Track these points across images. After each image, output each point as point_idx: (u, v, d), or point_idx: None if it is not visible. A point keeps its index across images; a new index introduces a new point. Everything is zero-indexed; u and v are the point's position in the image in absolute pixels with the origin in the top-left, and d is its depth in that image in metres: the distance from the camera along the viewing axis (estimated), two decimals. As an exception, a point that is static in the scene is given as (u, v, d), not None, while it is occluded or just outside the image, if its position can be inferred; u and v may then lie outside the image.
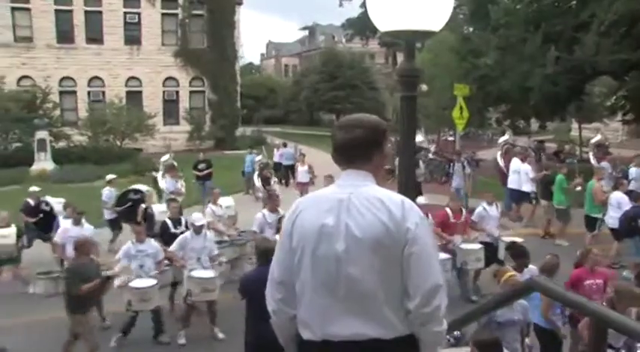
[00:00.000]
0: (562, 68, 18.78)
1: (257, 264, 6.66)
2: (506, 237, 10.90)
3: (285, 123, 55.66)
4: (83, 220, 10.83)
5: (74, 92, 36.60)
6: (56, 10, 35.57)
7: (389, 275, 2.42)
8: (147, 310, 8.58)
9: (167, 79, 38.07)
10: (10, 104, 28.70)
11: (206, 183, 19.18)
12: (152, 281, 8.57)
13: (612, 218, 12.09)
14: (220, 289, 8.98)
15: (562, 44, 18.89)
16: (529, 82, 19.72)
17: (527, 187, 15.70)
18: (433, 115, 29.47)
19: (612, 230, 12.21)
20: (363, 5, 53.93)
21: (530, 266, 7.53)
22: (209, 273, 8.90)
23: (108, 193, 14.91)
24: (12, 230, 11.19)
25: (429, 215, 10.35)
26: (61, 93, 35.87)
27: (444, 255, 9.77)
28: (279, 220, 10.09)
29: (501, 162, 17.39)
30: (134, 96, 36.83)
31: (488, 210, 11.09)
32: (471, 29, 25.82)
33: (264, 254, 6.14)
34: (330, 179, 11.06)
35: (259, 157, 20.82)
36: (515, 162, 16.16)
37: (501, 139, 19.01)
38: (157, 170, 18.66)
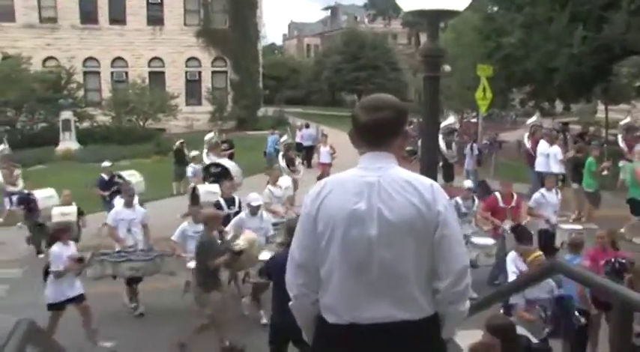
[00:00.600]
0: (588, 48, 18.47)
1: (284, 245, 6.51)
2: (565, 225, 10.40)
3: (306, 103, 55.53)
4: (135, 202, 10.45)
5: (97, 73, 36.88)
6: (80, -9, 35.82)
7: (420, 257, 2.46)
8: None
9: (189, 59, 38.16)
10: (36, 85, 29.04)
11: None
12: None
13: None
14: None
15: (590, 23, 18.56)
16: (554, 63, 19.43)
17: (556, 169, 15.45)
18: (456, 96, 29.19)
19: None
20: (386, -16, 53.48)
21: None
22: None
23: (192, 169, 15.34)
24: (73, 208, 11.22)
25: (475, 198, 10.31)
26: (84, 73, 36.16)
27: (490, 241, 9.64)
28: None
29: (528, 144, 17.13)
30: (157, 77, 37.02)
31: (546, 196, 10.57)
32: (495, 8, 25.48)
33: None
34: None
35: (284, 138, 20.83)
36: (544, 145, 15.90)
37: (530, 121, 18.67)
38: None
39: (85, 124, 31.36)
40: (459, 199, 10.02)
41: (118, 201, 10.47)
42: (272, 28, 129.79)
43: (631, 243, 11.33)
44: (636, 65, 23.56)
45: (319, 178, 15.11)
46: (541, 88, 24.73)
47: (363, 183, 2.46)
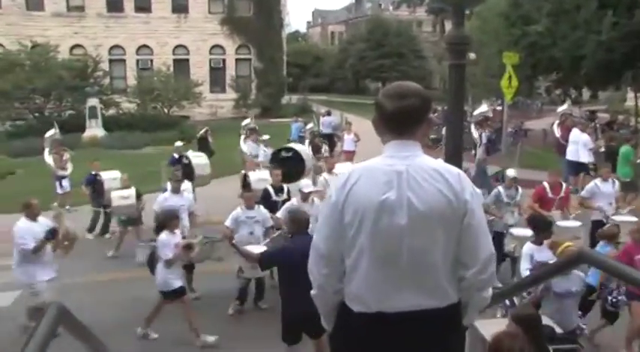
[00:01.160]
0: (618, 34, 18.12)
1: (289, 234, 6.44)
2: (618, 217, 9.73)
3: (330, 91, 55.42)
4: (183, 189, 10.30)
5: (123, 60, 37.18)
6: (106, -21, 36.10)
7: (447, 245, 2.48)
8: (257, 277, 8.37)
9: (213, 47, 38.27)
10: (63, 72, 29.35)
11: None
12: (262, 248, 8.07)
13: None
14: None
15: (620, 9, 18.19)
16: (582, 50, 19.11)
17: (585, 158, 15.21)
18: (481, 84, 28.93)
19: None
20: (411, -29, 53.00)
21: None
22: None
23: (263, 153, 15.46)
24: (132, 191, 11.20)
25: (519, 188, 9.83)
26: (110, 61, 36.49)
27: (530, 232, 9.16)
28: None
29: (558, 133, 16.87)
30: (181, 64, 37.22)
31: (600, 187, 10.09)
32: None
33: (306, 224, 6.12)
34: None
35: (310, 125, 20.82)
36: (575, 133, 15.65)
37: (560, 109, 18.35)
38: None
39: (111, 111, 31.68)
40: (501, 188, 9.78)
41: (168, 186, 10.40)
42: (296, 16, 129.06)
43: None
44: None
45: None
46: (568, 76, 24.36)
47: (391, 171, 2.44)
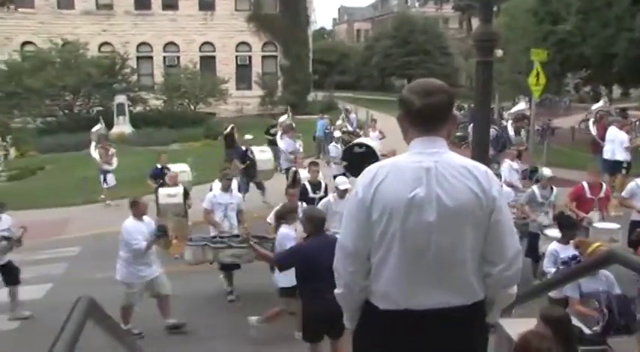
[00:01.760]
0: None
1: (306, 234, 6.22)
2: None
3: (356, 88, 55.27)
4: (233, 186, 10.15)
5: (150, 57, 37.54)
6: (134, -23, 36.50)
7: (475, 242, 2.48)
8: None
9: (240, 44, 38.43)
10: (92, 70, 29.76)
11: (277, 148, 19.37)
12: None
13: None
14: None
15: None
16: (613, 48, 18.77)
17: (621, 156, 14.89)
18: (507, 81, 28.64)
19: None
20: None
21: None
22: None
23: (334, 149, 15.73)
24: (179, 189, 10.97)
25: (553, 188, 9.56)
26: (138, 58, 36.84)
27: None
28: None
29: (594, 131, 16.55)
30: (208, 61, 37.44)
31: None
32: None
33: (322, 223, 6.01)
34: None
35: (339, 122, 20.83)
36: (612, 131, 15.34)
37: (595, 106, 18.02)
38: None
39: (138, 108, 32.04)
40: (535, 188, 9.59)
41: (216, 185, 10.27)
42: (322, 13, 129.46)
43: None
44: None
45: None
46: (598, 73, 24.00)
47: (419, 168, 2.44)
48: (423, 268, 2.45)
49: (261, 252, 6.83)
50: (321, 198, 9.48)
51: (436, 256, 2.44)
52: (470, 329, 2.56)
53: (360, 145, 14.01)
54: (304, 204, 8.95)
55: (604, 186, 9.82)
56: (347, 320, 2.80)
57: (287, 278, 6.86)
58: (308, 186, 10.06)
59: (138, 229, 7.59)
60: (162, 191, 10.94)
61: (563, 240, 7.09)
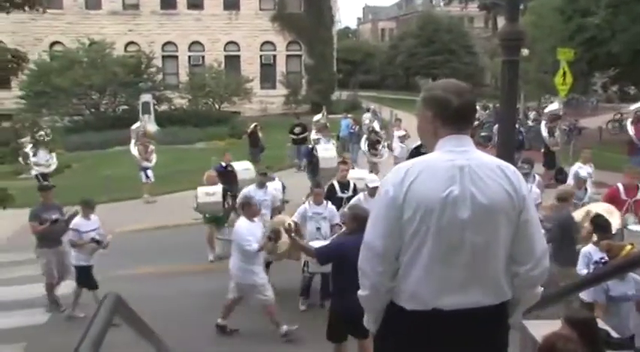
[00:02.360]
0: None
1: (348, 232, 6.18)
2: None
3: (380, 87, 55.14)
4: (268, 183, 10.25)
5: (175, 57, 37.84)
6: (160, -23, 36.83)
7: (506, 241, 2.48)
8: (321, 272, 8.10)
9: (264, 43, 38.56)
10: (118, 69, 30.08)
11: (301, 147, 19.44)
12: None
13: None
14: None
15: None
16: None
17: None
18: (533, 81, 28.30)
19: None
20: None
21: None
22: None
23: (400, 148, 15.90)
24: (218, 188, 10.85)
25: (588, 189, 9.50)
26: (163, 57, 37.18)
27: None
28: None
29: (631, 131, 16.22)
30: (232, 61, 37.63)
31: None
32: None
33: (364, 221, 5.93)
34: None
35: (366, 121, 20.83)
36: None
37: (634, 106, 17.68)
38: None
39: (164, 107, 32.30)
40: None
41: (199, 188, 10.50)
42: (346, 12, 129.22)
43: None
44: None
45: (395, 163, 15.03)
46: (627, 72, 23.61)
47: (453, 166, 2.43)
48: (455, 267, 2.44)
49: (302, 245, 6.89)
50: (349, 198, 9.46)
51: (470, 254, 2.43)
52: (496, 330, 2.56)
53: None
54: (329, 204, 8.95)
55: None
56: (369, 323, 2.77)
57: None
58: (336, 186, 10.04)
59: (251, 231, 7.60)
60: (200, 190, 10.86)
61: (598, 242, 6.97)
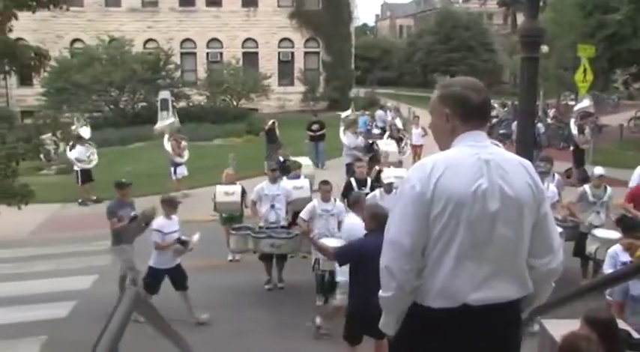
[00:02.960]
0: None
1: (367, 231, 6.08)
2: None
3: (398, 84, 54.98)
4: (294, 181, 10.27)
5: (194, 54, 38.00)
6: (178, -26, 37.01)
7: (528, 235, 2.50)
8: (332, 270, 7.89)
9: (282, 40, 38.59)
10: (137, 66, 30.27)
11: (319, 144, 19.45)
12: (338, 242, 7.76)
13: None
14: None
15: None
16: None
17: None
18: (553, 77, 28.05)
19: None
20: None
21: None
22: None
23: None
24: (237, 188, 10.56)
25: (607, 187, 9.19)
26: (182, 54, 37.36)
27: (614, 234, 8.08)
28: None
29: None
30: (250, 57, 37.70)
31: None
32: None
33: (385, 220, 5.80)
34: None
35: (389, 118, 20.81)
36: None
37: None
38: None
39: (182, 104, 32.41)
40: (587, 187, 9.31)
41: (286, 181, 10.38)
42: (364, 9, 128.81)
43: None
44: None
45: (415, 160, 15.00)
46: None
47: (479, 160, 2.43)
48: (485, 261, 2.42)
49: (320, 244, 6.86)
50: (366, 195, 9.40)
51: (499, 248, 2.42)
52: (517, 324, 2.58)
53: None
54: (337, 201, 8.99)
55: None
56: (388, 326, 2.68)
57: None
58: (353, 182, 10.06)
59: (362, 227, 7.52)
60: (219, 188, 10.70)
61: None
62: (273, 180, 9.84)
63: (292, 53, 38.93)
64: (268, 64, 37.81)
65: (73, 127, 17.24)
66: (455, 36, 50.28)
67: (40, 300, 8.95)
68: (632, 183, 10.10)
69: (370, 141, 14.81)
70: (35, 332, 7.88)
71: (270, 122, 19.87)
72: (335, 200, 8.98)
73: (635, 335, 5.38)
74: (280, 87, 37.50)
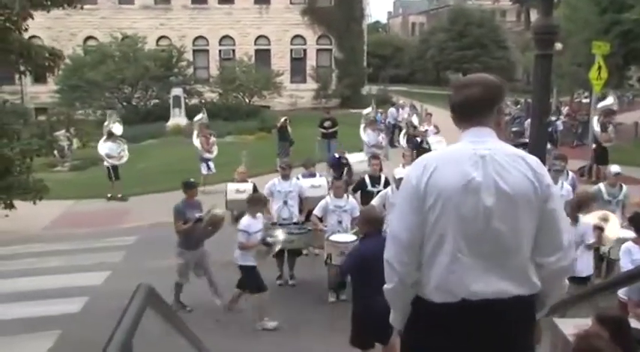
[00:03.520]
0: None
1: (362, 235, 6.05)
2: None
3: (410, 82, 54.89)
4: (311, 180, 10.21)
5: (206, 51, 38.10)
6: (191, -28, 37.10)
7: (530, 230, 2.47)
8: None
9: (294, 37, 38.59)
10: (150, 63, 30.38)
11: (331, 141, 19.42)
12: (352, 237, 8.05)
13: None
14: None
15: None
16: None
17: None
18: (567, 75, 27.84)
19: None
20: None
21: None
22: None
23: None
24: (248, 186, 10.51)
25: (623, 186, 9.10)
26: (194, 51, 37.47)
27: (629, 234, 7.69)
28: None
29: None
30: (262, 55, 37.74)
31: None
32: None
33: (380, 223, 5.81)
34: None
35: (405, 116, 20.77)
36: None
37: None
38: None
39: (194, 101, 32.50)
40: (602, 186, 9.22)
41: (303, 180, 10.33)
42: (377, 6, 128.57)
43: None
44: None
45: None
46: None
47: (474, 154, 2.46)
48: (480, 255, 2.43)
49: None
50: (379, 192, 9.41)
51: (494, 242, 2.42)
52: (527, 323, 2.55)
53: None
54: (350, 197, 8.99)
55: None
56: (395, 321, 2.75)
57: None
58: (367, 180, 10.04)
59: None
60: (230, 186, 10.69)
61: (638, 240, 6.82)
62: (285, 177, 9.82)
63: (304, 50, 38.91)
64: (280, 61, 37.83)
65: (105, 124, 17.42)
66: (467, 33, 50.11)
67: (53, 296, 9.00)
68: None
69: (420, 139, 14.81)
70: (49, 326, 7.94)
71: (282, 119, 19.87)
72: (348, 196, 8.99)
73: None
74: (292, 84, 37.52)
